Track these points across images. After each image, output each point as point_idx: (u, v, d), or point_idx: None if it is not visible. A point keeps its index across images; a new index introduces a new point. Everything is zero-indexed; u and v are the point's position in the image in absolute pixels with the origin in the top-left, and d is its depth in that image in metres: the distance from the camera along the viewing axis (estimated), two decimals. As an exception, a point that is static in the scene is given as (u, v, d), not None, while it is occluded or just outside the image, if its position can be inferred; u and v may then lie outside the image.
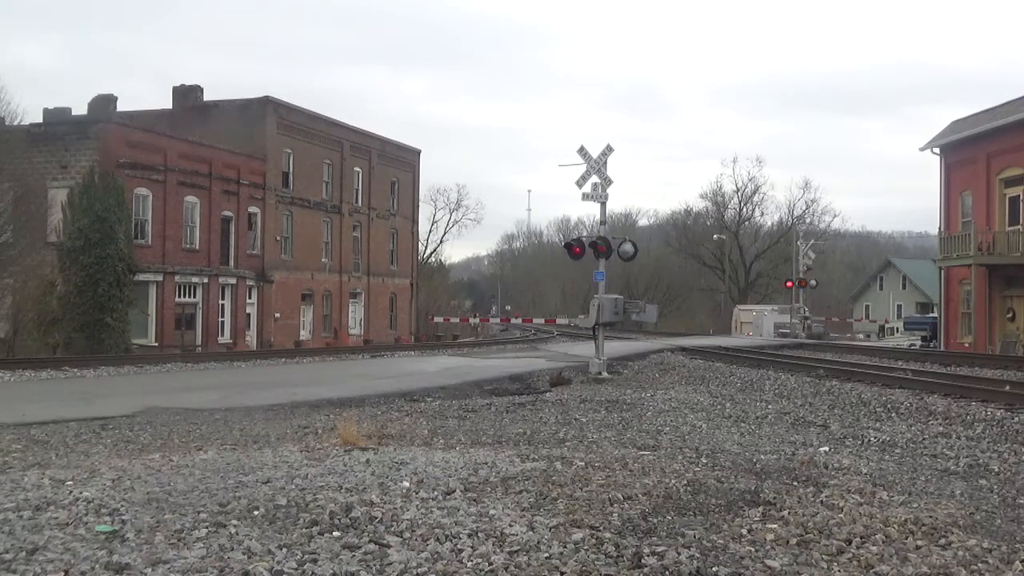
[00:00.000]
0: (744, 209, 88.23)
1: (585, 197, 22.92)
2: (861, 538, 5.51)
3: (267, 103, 45.49)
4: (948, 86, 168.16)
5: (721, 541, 5.39)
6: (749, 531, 5.66)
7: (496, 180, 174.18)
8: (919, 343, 42.07)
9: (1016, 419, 12.58)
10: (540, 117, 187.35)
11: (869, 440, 10.97)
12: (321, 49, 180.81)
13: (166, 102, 47.57)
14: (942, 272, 39.34)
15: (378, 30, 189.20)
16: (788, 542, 5.42)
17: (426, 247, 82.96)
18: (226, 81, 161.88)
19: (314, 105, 49.64)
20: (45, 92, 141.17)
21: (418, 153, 60.71)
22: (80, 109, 45.32)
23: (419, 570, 4.64)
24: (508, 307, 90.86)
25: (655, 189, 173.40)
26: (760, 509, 6.30)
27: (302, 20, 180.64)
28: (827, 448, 10.09)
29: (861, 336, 64.12)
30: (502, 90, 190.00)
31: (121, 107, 46.23)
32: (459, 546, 5.06)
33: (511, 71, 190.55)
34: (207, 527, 5.35)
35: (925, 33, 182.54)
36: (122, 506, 5.85)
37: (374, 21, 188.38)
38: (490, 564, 4.74)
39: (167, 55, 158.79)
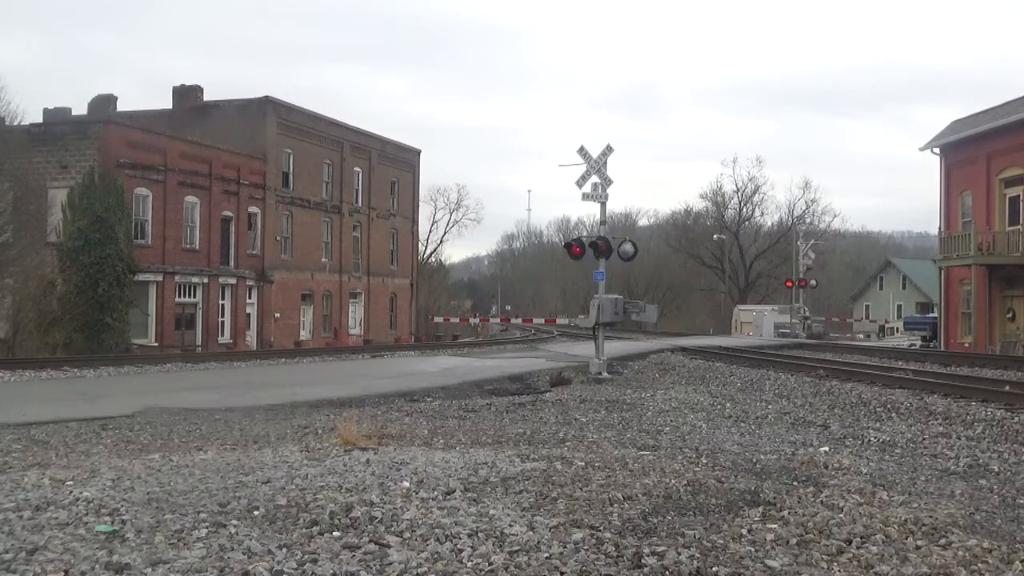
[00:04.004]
0: (744, 209, 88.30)
1: (585, 197, 22.93)
2: (861, 538, 5.51)
3: (267, 103, 45.48)
4: (948, 86, 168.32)
5: (721, 541, 5.39)
6: (749, 531, 5.66)
7: (496, 180, 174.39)
8: (919, 343, 42.06)
9: (1016, 419, 12.58)
10: (540, 118, 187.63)
11: (869, 440, 10.97)
12: (316, 50, 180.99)
13: (156, 103, 47.60)
14: (942, 272, 39.33)
15: (375, 31, 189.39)
16: (788, 542, 5.42)
17: (426, 247, 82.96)
18: (213, 80, 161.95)
19: (309, 105, 49.60)
20: (32, 93, 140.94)
21: (418, 153, 60.71)
22: (80, 109, 45.43)
23: (419, 570, 4.64)
24: (508, 307, 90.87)
25: (653, 189, 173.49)
26: (760, 509, 6.30)
27: (294, 20, 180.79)
28: (827, 448, 10.09)
29: (861, 336, 64.10)
30: (501, 91, 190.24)
31: (116, 108, 46.30)
32: (459, 546, 5.06)
33: (509, 72, 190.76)
34: (207, 527, 5.35)
35: (924, 34, 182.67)
36: (122, 506, 5.85)
37: (370, 22, 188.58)
38: (490, 564, 4.74)
39: (149, 56, 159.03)
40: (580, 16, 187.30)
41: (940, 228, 39.61)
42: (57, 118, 41.30)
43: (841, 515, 6.06)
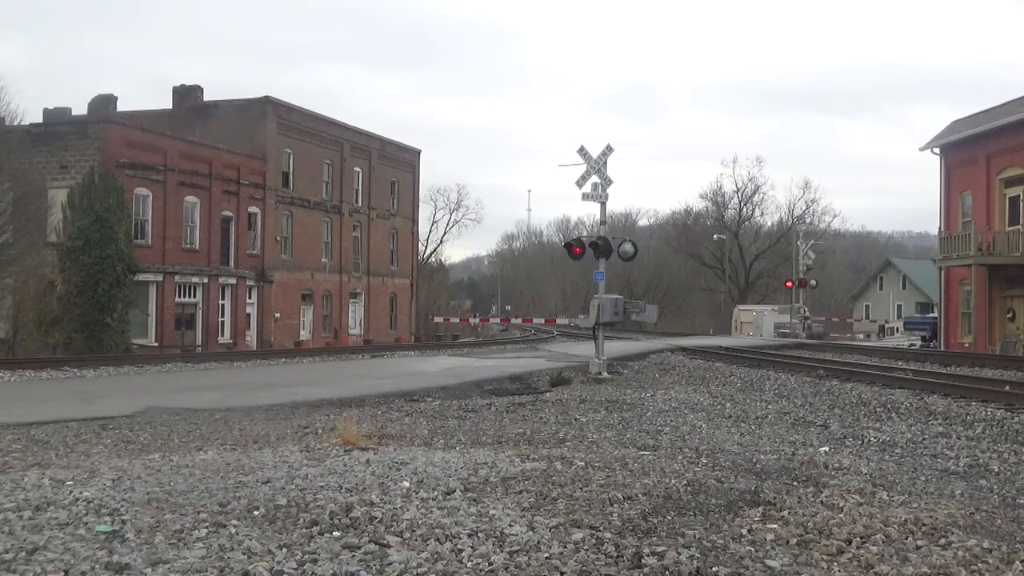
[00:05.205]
0: (744, 209, 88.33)
1: (585, 197, 22.93)
2: (861, 538, 5.51)
3: (267, 103, 45.47)
4: (948, 86, 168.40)
5: (721, 541, 5.38)
6: (749, 531, 5.66)
7: (496, 180, 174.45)
8: (919, 343, 42.05)
9: (1016, 419, 12.58)
10: (540, 118, 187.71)
11: (869, 440, 10.97)
12: (316, 50, 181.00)
13: (156, 103, 47.59)
14: (942, 272, 39.33)
15: (375, 31, 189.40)
16: (788, 542, 5.42)
17: (426, 247, 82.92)
18: (213, 80, 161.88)
19: (309, 105, 49.67)
20: (32, 93, 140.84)
21: (418, 153, 60.71)
22: (80, 109, 45.42)
23: (419, 570, 4.64)
24: (508, 307, 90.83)
25: (653, 189, 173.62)
26: (760, 509, 6.30)
27: (294, 20, 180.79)
28: (827, 448, 10.09)
29: (861, 336, 64.08)
30: (500, 91, 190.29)
31: (116, 108, 46.27)
32: (459, 546, 5.06)
33: (509, 73, 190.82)
34: (207, 527, 5.35)
35: (925, 34, 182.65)
36: (122, 506, 5.84)
37: (370, 22, 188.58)
38: (490, 564, 4.74)
39: (149, 57, 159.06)
40: (580, 16, 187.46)
41: (940, 228, 39.60)
42: (57, 118, 41.28)
43: (841, 515, 6.05)
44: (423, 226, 75.47)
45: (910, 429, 12.26)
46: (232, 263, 42.77)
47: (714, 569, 4.79)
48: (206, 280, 40.80)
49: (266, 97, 45.55)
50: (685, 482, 7.18)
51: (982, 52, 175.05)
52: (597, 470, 7.61)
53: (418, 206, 62.73)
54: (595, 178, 22.68)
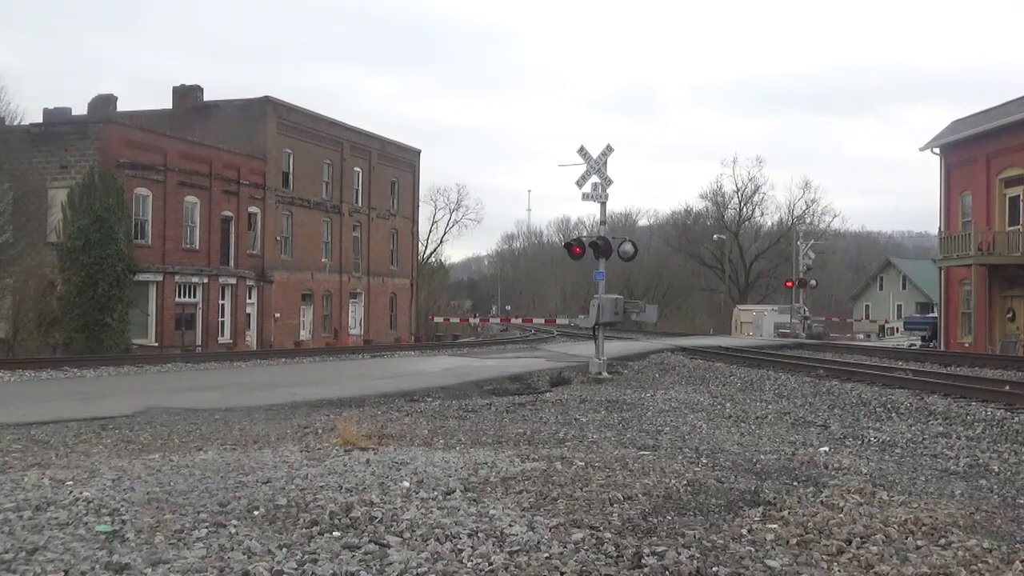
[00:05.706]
0: (744, 209, 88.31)
1: (585, 197, 22.93)
2: (861, 538, 5.51)
3: (267, 103, 45.46)
4: (948, 86, 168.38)
5: (721, 541, 5.38)
6: (749, 531, 5.66)
7: (496, 180, 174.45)
8: (919, 343, 42.04)
9: (1016, 419, 12.58)
10: (540, 118, 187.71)
11: (869, 440, 10.97)
12: (316, 50, 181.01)
13: (156, 103, 47.58)
14: (942, 272, 39.33)
15: (375, 31, 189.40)
16: (788, 542, 5.42)
17: (426, 247, 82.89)
18: (213, 80, 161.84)
19: (309, 105, 49.67)
20: (32, 93, 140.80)
21: (418, 153, 60.70)
22: (80, 109, 45.42)
23: (419, 570, 4.64)
24: (508, 307, 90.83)
25: (653, 189, 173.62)
26: (760, 509, 6.30)
27: (294, 20, 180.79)
28: (827, 448, 10.09)
29: (861, 336, 64.07)
30: (500, 91, 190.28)
31: (116, 108, 46.26)
32: (459, 546, 5.06)
33: (509, 73, 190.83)
34: (207, 527, 5.35)
35: (925, 34, 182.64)
36: (122, 506, 5.84)
37: (370, 22, 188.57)
38: (490, 564, 4.74)
39: (149, 57, 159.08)
40: (580, 16, 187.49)
41: (940, 228, 39.60)
42: (57, 118, 41.28)
43: (841, 515, 6.05)
44: (423, 226, 75.56)
45: (910, 429, 12.26)
46: (232, 263, 42.76)
47: (714, 569, 4.79)
48: (206, 280, 40.80)
49: (266, 97, 45.55)
50: (685, 482, 7.18)
51: (982, 52, 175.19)
52: (597, 470, 7.61)
53: (418, 206, 62.79)
54: (595, 178, 22.68)
